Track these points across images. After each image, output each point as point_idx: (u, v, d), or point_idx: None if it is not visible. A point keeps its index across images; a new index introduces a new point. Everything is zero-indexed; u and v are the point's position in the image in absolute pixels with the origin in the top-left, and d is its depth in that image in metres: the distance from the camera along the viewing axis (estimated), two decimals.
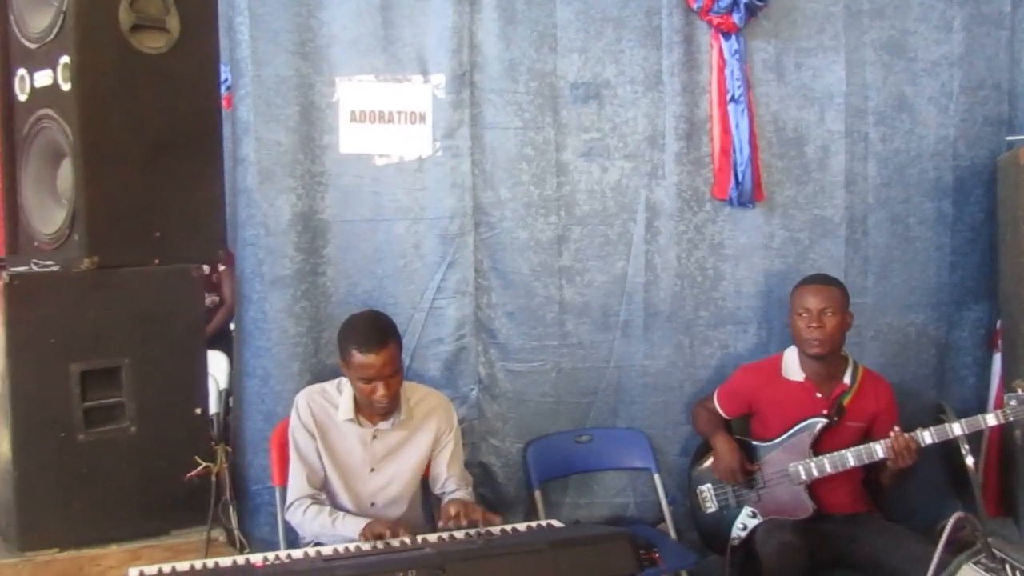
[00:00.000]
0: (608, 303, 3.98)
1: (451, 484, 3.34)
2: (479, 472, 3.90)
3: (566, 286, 3.94)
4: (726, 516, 3.74)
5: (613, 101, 3.92)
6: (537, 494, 3.85)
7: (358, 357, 3.08)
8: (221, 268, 5.24)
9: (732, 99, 3.91)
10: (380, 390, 3.10)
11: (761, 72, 4.00)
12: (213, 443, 3.47)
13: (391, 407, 3.19)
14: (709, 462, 3.80)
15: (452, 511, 3.03)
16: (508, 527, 2.97)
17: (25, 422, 3.17)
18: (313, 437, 3.25)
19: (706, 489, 3.80)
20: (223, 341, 5.23)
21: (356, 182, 3.77)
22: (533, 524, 3.02)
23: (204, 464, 3.35)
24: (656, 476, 3.95)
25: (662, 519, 3.92)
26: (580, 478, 4.05)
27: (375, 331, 3.12)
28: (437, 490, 3.39)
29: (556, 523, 3.07)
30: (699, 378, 4.04)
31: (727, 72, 3.91)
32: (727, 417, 3.84)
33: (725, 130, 3.92)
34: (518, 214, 3.87)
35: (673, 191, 3.96)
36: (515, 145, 3.85)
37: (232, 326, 5.81)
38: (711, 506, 3.78)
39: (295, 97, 3.68)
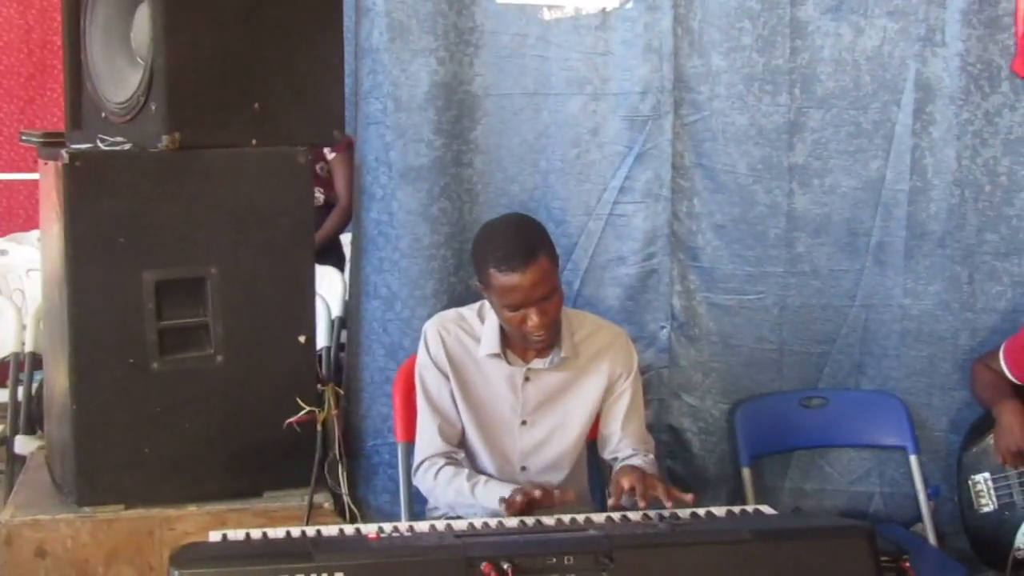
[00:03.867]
0: (856, 218, 3.91)
1: (625, 447, 3.34)
2: (668, 439, 3.91)
3: (798, 192, 3.88)
4: (1009, 518, 3.68)
5: None
6: (746, 473, 3.85)
7: (499, 278, 3.09)
8: (331, 155, 5.35)
9: None
10: (533, 318, 3.11)
11: None
12: (321, 383, 3.57)
13: (549, 338, 3.19)
14: (989, 441, 3.72)
15: (626, 483, 3.00)
16: (701, 510, 2.96)
17: (86, 344, 3.31)
18: (446, 378, 3.29)
19: (982, 480, 3.75)
20: (334, 254, 5.38)
21: (516, 43, 3.77)
22: (736, 509, 2.99)
23: (308, 409, 3.44)
24: (913, 458, 3.90)
25: (918, 517, 3.88)
26: (807, 456, 4.03)
27: (519, 242, 3.11)
28: (607, 454, 3.39)
29: (767, 509, 3.03)
30: (981, 326, 3.95)
31: None
32: (1017, 382, 3.74)
33: None
34: (735, 91, 3.81)
35: (956, 64, 3.83)
36: None
37: (348, 234, 5.99)
38: (988, 503, 3.74)
39: None
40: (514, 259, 3.07)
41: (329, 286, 4.84)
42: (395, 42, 3.71)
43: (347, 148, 4.73)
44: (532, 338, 3.16)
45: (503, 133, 3.80)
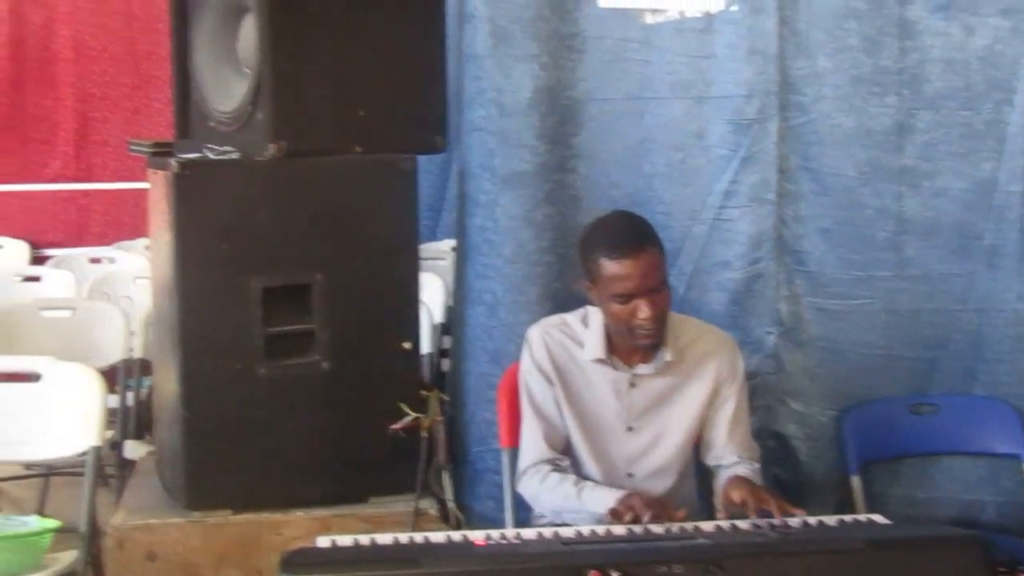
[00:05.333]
0: (968, 220, 3.82)
1: (730, 455, 3.31)
2: (774, 445, 3.86)
3: (907, 194, 3.81)
4: None
5: None
6: (855, 481, 3.79)
7: (610, 266, 3.08)
8: None
9: None
10: (644, 309, 3.08)
11: None
12: (425, 389, 3.59)
13: (656, 335, 3.17)
14: None
15: (736, 497, 3.00)
16: (812, 519, 2.93)
17: (195, 351, 3.39)
18: (551, 383, 3.28)
19: None
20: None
21: (619, 47, 3.76)
22: (847, 518, 2.95)
23: (413, 415, 3.47)
24: None
25: None
26: (917, 463, 3.96)
27: (631, 231, 3.12)
28: (711, 461, 3.37)
29: (879, 518, 2.99)
30: None
31: None
32: None
33: None
34: (842, 92, 3.76)
35: None
36: None
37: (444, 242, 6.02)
38: None
39: None
40: (625, 246, 3.07)
41: (430, 291, 4.88)
42: (498, 48, 3.72)
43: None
44: (640, 332, 3.13)
45: (606, 138, 3.80)
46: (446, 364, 4.59)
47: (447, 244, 5.94)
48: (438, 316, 5.11)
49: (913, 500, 3.95)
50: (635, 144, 3.81)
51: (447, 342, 4.85)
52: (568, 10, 3.74)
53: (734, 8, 3.74)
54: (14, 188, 7.82)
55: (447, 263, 5.66)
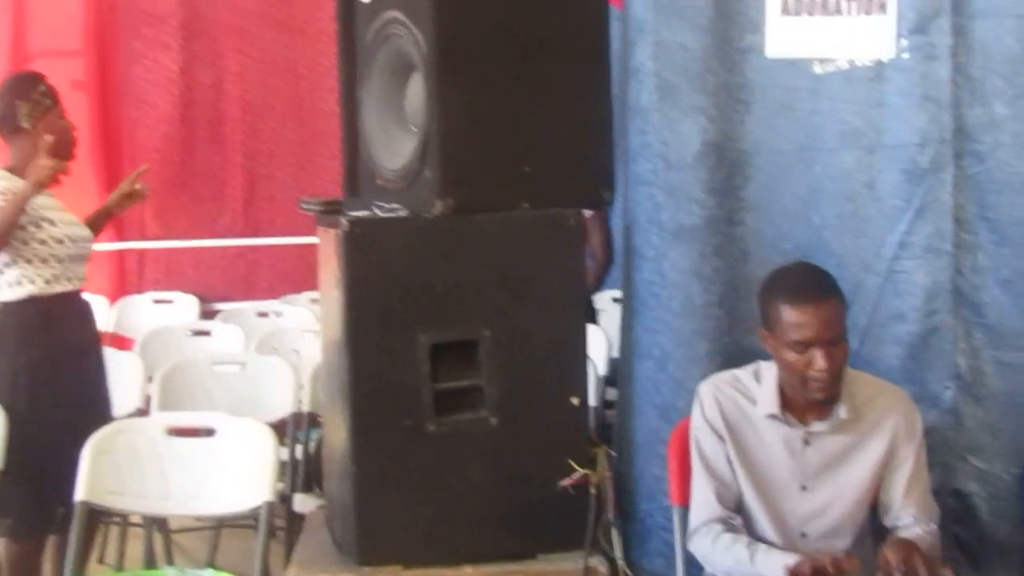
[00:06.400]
0: None
1: (906, 516, 3.26)
2: (953, 504, 3.74)
3: None
4: None
5: None
6: None
7: (789, 314, 3.07)
8: (587, 213, 5.38)
9: None
10: (819, 361, 3.06)
11: None
12: (593, 444, 3.58)
13: (831, 390, 3.14)
14: None
15: (892, 557, 2.94)
16: None
17: (366, 406, 3.41)
18: (722, 440, 3.26)
19: None
20: (592, 311, 5.42)
21: (788, 98, 3.74)
22: None
23: (582, 471, 3.46)
24: None
25: None
26: None
27: (814, 278, 3.12)
28: (888, 522, 3.30)
29: None
30: None
31: None
32: None
33: None
34: (1021, 140, 3.67)
35: None
36: (1018, 41, 3.64)
37: (603, 293, 6.01)
38: None
39: None
40: (808, 294, 3.07)
41: (593, 344, 4.87)
42: (664, 101, 3.73)
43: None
44: (814, 384, 3.10)
45: (775, 189, 3.77)
46: (610, 416, 4.58)
47: (609, 295, 5.95)
48: (601, 368, 5.10)
49: None
50: (805, 195, 3.77)
51: (610, 394, 4.85)
52: (735, 62, 3.73)
53: (906, 56, 3.68)
54: (185, 244, 8.05)
55: (610, 314, 5.67)
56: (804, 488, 3.25)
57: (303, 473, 4.78)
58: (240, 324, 6.45)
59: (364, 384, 3.41)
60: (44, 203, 4.28)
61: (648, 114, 3.75)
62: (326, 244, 3.63)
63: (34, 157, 4.20)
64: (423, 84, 3.40)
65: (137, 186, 4.77)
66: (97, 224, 4.75)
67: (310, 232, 3.85)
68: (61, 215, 4.38)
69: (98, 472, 3.67)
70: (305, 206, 3.92)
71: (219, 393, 4.97)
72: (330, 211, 3.72)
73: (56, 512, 3.91)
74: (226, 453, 3.75)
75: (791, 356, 3.10)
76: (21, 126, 4.30)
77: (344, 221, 3.38)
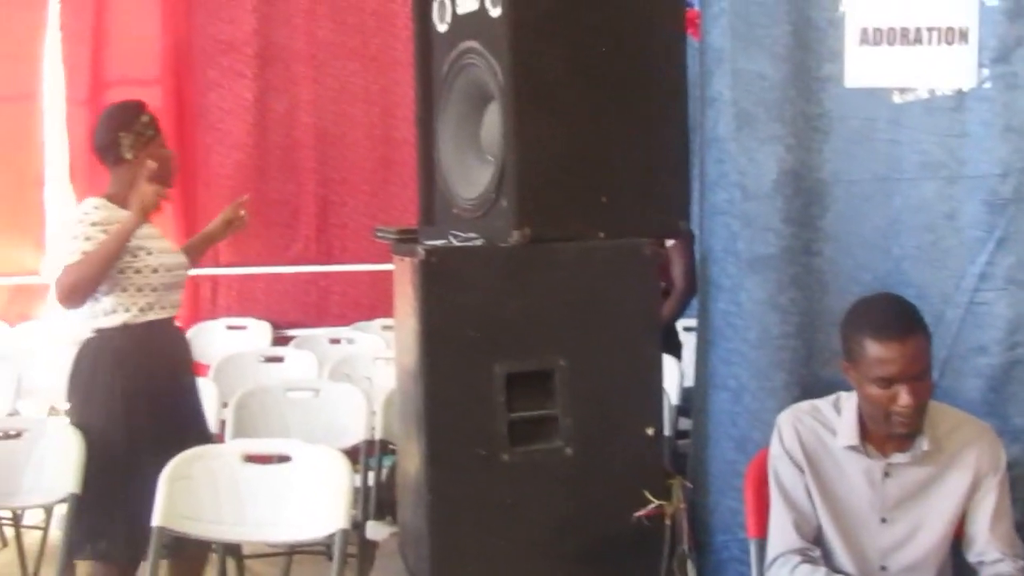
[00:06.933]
0: None
1: (992, 551, 3.21)
2: None
3: None
4: None
5: None
6: None
7: (874, 349, 3.05)
8: (669, 242, 5.37)
9: None
10: (904, 397, 3.04)
11: None
12: (668, 475, 3.57)
13: (914, 425, 3.11)
14: None
15: None
16: None
17: (440, 435, 3.42)
18: (801, 471, 3.24)
19: None
20: (669, 341, 5.40)
21: (867, 127, 3.71)
22: None
23: (657, 502, 3.44)
24: None
25: None
26: None
27: (900, 312, 3.10)
28: (972, 557, 3.26)
29: None
30: None
31: None
32: None
33: None
34: None
35: None
36: None
37: (682, 323, 5.99)
38: None
39: (785, 13, 3.68)
40: (894, 328, 3.05)
41: (668, 374, 4.86)
42: (742, 131, 3.72)
43: (683, 235, 4.76)
44: (897, 419, 3.09)
45: (853, 220, 3.73)
46: (683, 446, 4.55)
47: (682, 325, 5.93)
48: (674, 398, 5.08)
49: None
50: (884, 226, 3.73)
51: (683, 423, 4.83)
52: (813, 91, 3.71)
53: (987, 85, 3.64)
54: (258, 271, 8.13)
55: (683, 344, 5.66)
56: (884, 520, 3.22)
57: (375, 500, 4.79)
58: (313, 350, 6.49)
59: (439, 413, 3.42)
60: (144, 232, 4.32)
61: (725, 143, 3.74)
62: (402, 272, 3.64)
63: (134, 185, 4.26)
64: (500, 114, 3.42)
65: (240, 212, 4.83)
66: (198, 249, 4.85)
67: (382, 260, 3.87)
68: (159, 243, 4.44)
69: (174, 498, 3.72)
70: (381, 234, 3.95)
71: (292, 419, 5.02)
72: (406, 240, 3.75)
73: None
74: (301, 480, 3.77)
75: (875, 391, 3.08)
76: (124, 157, 4.36)
77: (421, 250, 3.40)
